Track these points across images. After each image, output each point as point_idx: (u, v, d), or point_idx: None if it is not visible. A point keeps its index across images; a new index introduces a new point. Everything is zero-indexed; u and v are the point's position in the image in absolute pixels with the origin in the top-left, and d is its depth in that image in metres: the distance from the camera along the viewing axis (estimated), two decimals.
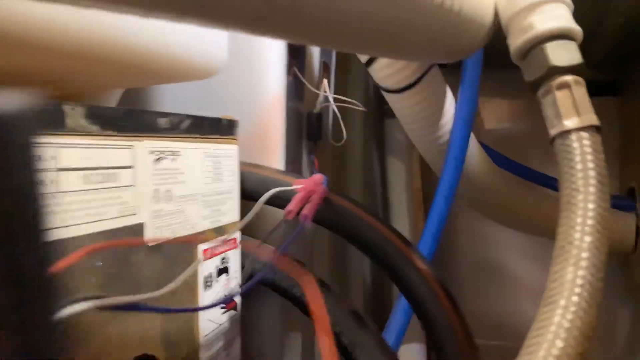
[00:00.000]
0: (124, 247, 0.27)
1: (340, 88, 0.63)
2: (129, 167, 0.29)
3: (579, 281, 0.22)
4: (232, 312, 0.41)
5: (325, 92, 0.59)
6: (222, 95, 0.48)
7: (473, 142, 0.60)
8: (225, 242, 0.40)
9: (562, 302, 0.22)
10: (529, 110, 0.96)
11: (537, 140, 0.94)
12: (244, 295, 0.43)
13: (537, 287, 0.98)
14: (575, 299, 0.22)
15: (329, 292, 0.41)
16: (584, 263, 0.23)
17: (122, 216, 0.29)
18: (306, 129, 0.56)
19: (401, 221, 0.91)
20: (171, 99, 0.49)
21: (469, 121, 0.52)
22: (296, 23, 0.22)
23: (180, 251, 0.34)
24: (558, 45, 0.28)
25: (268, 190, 0.39)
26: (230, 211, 0.41)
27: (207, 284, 0.38)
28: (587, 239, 0.24)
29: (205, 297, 0.37)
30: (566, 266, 0.23)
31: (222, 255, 0.40)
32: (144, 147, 0.31)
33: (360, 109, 0.55)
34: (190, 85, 0.47)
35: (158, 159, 0.32)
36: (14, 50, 0.26)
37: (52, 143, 0.24)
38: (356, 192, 0.80)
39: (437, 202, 0.52)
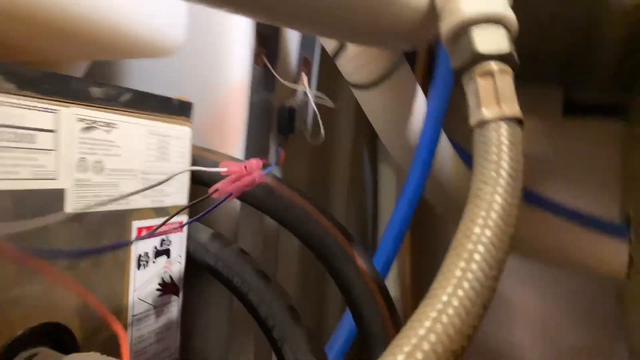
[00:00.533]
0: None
1: (329, 87, 0.63)
2: (51, 130, 0.29)
3: (468, 275, 0.21)
4: (172, 296, 0.41)
5: (303, 87, 0.58)
6: (182, 77, 0.48)
7: (447, 146, 0.59)
8: (167, 224, 0.39)
9: (444, 298, 0.20)
10: (548, 131, 0.94)
11: (551, 164, 0.92)
12: (189, 281, 0.43)
13: (534, 315, 0.95)
14: (460, 293, 0.21)
15: (269, 283, 0.40)
16: (477, 257, 0.22)
17: (38, 179, 0.28)
18: (277, 121, 0.55)
19: None
20: (135, 76, 0.49)
21: (439, 123, 0.51)
22: None
23: (107, 225, 0.34)
24: (485, 31, 0.27)
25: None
26: (176, 193, 0.40)
27: (141, 263, 0.37)
28: (487, 233, 0.22)
29: (137, 276, 0.37)
30: (457, 260, 0.22)
31: (163, 237, 0.39)
32: (70, 114, 0.30)
33: (330, 105, 0.55)
34: (153, 64, 0.47)
35: (88, 128, 0.32)
36: None
37: None
38: (339, 193, 0.80)
39: (401, 206, 0.51)
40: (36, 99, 0.28)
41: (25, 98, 0.27)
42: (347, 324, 0.48)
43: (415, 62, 0.72)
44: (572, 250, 0.77)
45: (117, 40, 0.35)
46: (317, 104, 0.58)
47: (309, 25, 0.29)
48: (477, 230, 0.23)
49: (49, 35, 0.32)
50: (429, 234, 0.93)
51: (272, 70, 0.52)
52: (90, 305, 0.32)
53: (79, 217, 0.31)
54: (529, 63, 0.81)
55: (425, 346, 0.19)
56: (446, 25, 0.28)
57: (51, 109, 0.29)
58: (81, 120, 0.31)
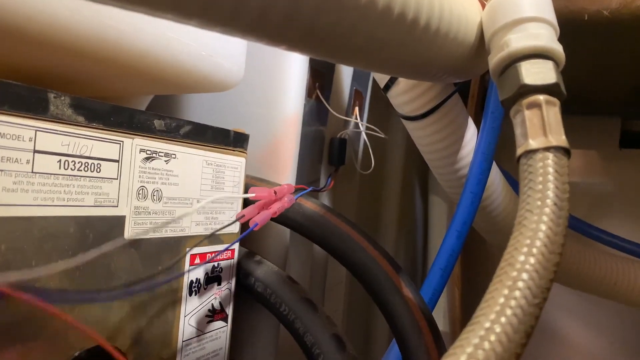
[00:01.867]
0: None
1: (381, 118, 0.64)
2: (115, 160, 0.31)
3: (511, 303, 0.21)
4: (221, 322, 0.42)
5: (356, 119, 0.60)
6: (240, 110, 0.50)
7: (498, 176, 0.58)
8: (219, 251, 0.41)
9: (487, 324, 0.20)
10: (604, 163, 0.92)
11: (608, 196, 0.89)
12: (238, 308, 0.44)
13: (586, 348, 0.91)
14: (502, 320, 0.21)
15: (315, 312, 0.40)
16: (520, 284, 0.22)
17: (100, 206, 0.30)
18: (328, 152, 0.57)
19: None
20: (196, 108, 0.52)
21: (490, 153, 0.50)
22: (285, 32, 0.23)
23: (163, 251, 0.35)
24: (532, 64, 0.27)
25: None
26: (229, 222, 0.42)
27: (193, 289, 0.39)
28: (531, 260, 0.22)
29: (189, 302, 0.38)
30: (500, 288, 0.22)
31: (214, 264, 0.41)
32: (134, 145, 0.33)
33: (381, 136, 0.55)
34: (213, 97, 0.50)
35: (148, 158, 0.34)
36: (33, 48, 0.29)
37: (31, 126, 0.26)
38: (389, 223, 0.79)
39: (449, 237, 0.50)
40: (103, 131, 0.30)
41: (93, 130, 0.30)
42: (394, 354, 0.47)
43: (467, 93, 0.72)
44: (627, 282, 0.73)
45: (182, 77, 0.37)
46: (368, 135, 0.59)
47: (364, 64, 0.30)
48: (521, 258, 0.22)
49: (117, 73, 0.35)
50: (480, 266, 0.91)
51: (325, 104, 0.53)
52: (142, 330, 0.34)
53: (136, 243, 0.33)
54: (589, 97, 0.79)
55: None
56: (495, 60, 0.29)
57: (116, 140, 0.31)
58: (143, 150, 0.33)
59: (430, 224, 0.92)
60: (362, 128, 0.59)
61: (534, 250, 0.23)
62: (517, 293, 0.21)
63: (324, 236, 0.41)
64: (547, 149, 0.26)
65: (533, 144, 0.26)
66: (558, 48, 0.28)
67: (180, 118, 0.36)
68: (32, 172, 0.26)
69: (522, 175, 0.26)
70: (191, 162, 0.38)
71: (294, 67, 0.49)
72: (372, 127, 0.56)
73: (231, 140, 0.42)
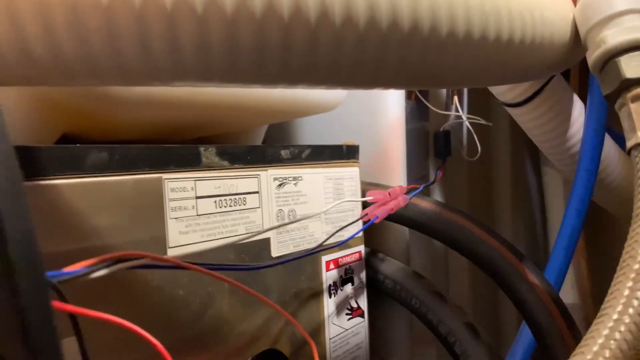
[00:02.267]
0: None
1: (482, 104, 0.65)
2: (256, 192, 0.36)
3: (637, 294, 0.23)
4: (359, 319, 0.46)
5: (457, 111, 0.61)
6: (347, 122, 0.54)
7: (612, 148, 0.56)
8: (348, 255, 0.45)
9: (615, 316, 0.22)
10: None
11: None
12: (372, 305, 0.48)
13: None
14: (630, 311, 0.22)
15: (445, 303, 0.43)
16: None
17: (250, 232, 0.36)
18: (434, 146, 0.59)
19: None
20: (308, 127, 0.57)
21: (601, 127, 0.50)
22: (376, 77, 0.26)
23: (304, 262, 0.40)
24: (631, 57, 0.28)
25: None
26: (352, 227, 0.46)
27: (332, 291, 0.43)
28: None
29: (330, 303, 0.43)
30: (624, 280, 0.23)
31: (346, 266, 0.45)
32: (268, 176, 0.38)
33: (485, 123, 0.57)
34: (321, 116, 0.54)
35: (281, 185, 0.39)
36: (182, 110, 0.35)
37: (191, 177, 0.32)
38: (503, 205, 0.80)
39: (568, 217, 0.50)
40: (243, 169, 0.36)
41: (236, 170, 0.35)
42: (525, 336, 0.49)
43: (570, 69, 0.70)
44: None
45: (296, 105, 0.42)
46: (471, 123, 0.60)
47: (462, 84, 0.32)
48: None
49: (246, 115, 0.40)
50: (604, 235, 0.88)
51: (425, 101, 0.55)
52: (297, 331, 0.39)
53: (282, 260, 0.38)
54: None
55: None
56: (593, 57, 0.30)
57: (253, 175, 0.36)
58: (276, 179, 0.38)
59: (547, 198, 0.90)
60: (464, 117, 0.60)
61: None
62: None
63: (444, 232, 0.44)
64: None
65: None
66: None
67: (300, 144, 0.41)
68: (197, 215, 0.32)
69: (635, 167, 0.27)
70: (314, 180, 0.42)
71: None
72: (474, 117, 0.58)
73: (344, 153, 0.46)
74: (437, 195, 0.61)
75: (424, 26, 0.24)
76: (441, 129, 0.60)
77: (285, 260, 0.36)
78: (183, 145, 0.32)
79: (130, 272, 0.28)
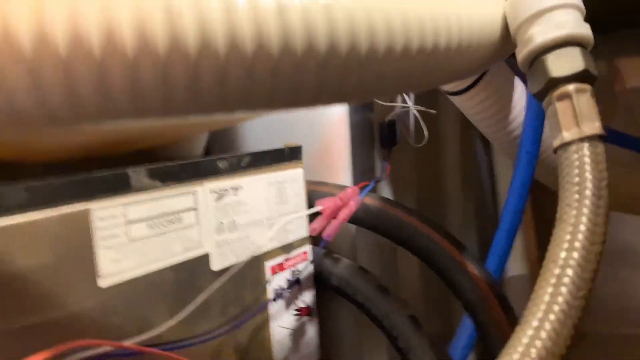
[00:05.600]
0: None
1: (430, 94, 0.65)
2: (193, 209, 0.36)
3: (558, 299, 0.23)
4: (306, 318, 0.46)
5: (404, 101, 0.61)
6: (292, 121, 0.54)
7: None
8: (294, 256, 0.45)
9: (535, 323, 0.23)
10: None
11: None
12: (319, 303, 0.48)
13: None
14: (551, 317, 0.23)
15: (388, 296, 0.44)
16: (565, 280, 0.24)
17: (187, 251, 0.35)
18: (379, 137, 0.59)
19: None
20: (251, 133, 0.56)
21: (540, 111, 0.50)
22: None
23: (246, 272, 0.40)
24: (558, 55, 0.28)
25: None
26: (297, 229, 0.46)
27: (277, 294, 0.43)
28: (574, 255, 0.24)
29: (275, 307, 0.43)
30: (545, 286, 0.24)
31: (292, 268, 0.45)
32: (205, 190, 0.37)
33: (431, 112, 0.57)
34: (266, 119, 0.54)
35: (220, 197, 0.38)
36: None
37: (120, 203, 0.31)
38: (453, 189, 0.81)
39: (510, 198, 0.52)
40: (178, 187, 0.35)
41: (169, 189, 0.34)
42: (467, 327, 0.50)
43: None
44: None
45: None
46: (418, 110, 0.60)
47: (389, 94, 0.32)
48: (563, 254, 0.25)
49: (176, 125, 0.39)
50: (551, 202, 0.91)
51: None
52: (241, 339, 0.39)
53: (223, 272, 0.38)
54: None
55: None
56: (521, 55, 0.30)
57: (189, 191, 0.36)
58: (213, 192, 0.37)
59: (497, 181, 0.92)
60: (410, 106, 0.60)
61: (576, 245, 0.25)
62: (563, 289, 0.24)
63: (387, 228, 0.44)
64: (582, 139, 0.27)
65: (567, 136, 0.27)
66: (584, 31, 0.29)
67: (238, 154, 0.40)
68: (129, 240, 0.31)
69: (560, 168, 0.27)
70: (255, 188, 0.41)
71: None
72: (420, 107, 0.58)
73: (287, 156, 0.45)
74: (385, 186, 0.62)
75: (340, 46, 0.24)
76: (386, 119, 0.60)
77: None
78: (109, 172, 0.31)
79: None
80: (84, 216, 0.29)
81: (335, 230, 0.39)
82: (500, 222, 0.52)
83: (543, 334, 0.23)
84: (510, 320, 0.38)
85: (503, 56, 0.37)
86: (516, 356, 0.22)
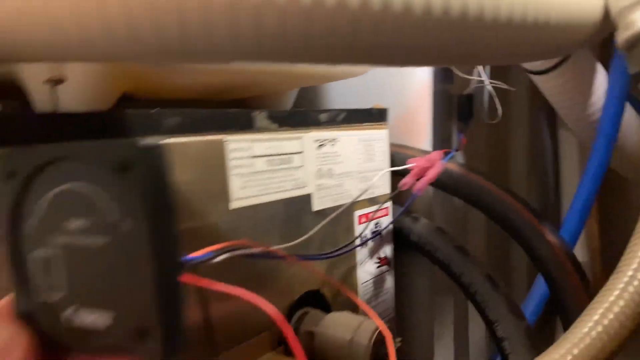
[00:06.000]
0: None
1: (503, 69, 0.67)
2: (300, 152, 0.40)
3: None
4: (386, 267, 0.50)
5: (478, 75, 0.63)
6: (377, 86, 0.57)
7: (632, 116, 0.59)
8: (378, 210, 0.49)
9: (630, 273, 0.26)
10: None
11: None
12: (397, 257, 0.52)
13: None
14: None
15: (467, 256, 0.47)
16: None
17: (295, 188, 0.39)
18: (457, 110, 0.61)
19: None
20: (337, 93, 0.60)
21: (622, 96, 0.52)
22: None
23: (340, 216, 0.44)
24: None
25: None
26: (382, 186, 0.49)
27: (363, 242, 0.47)
28: None
29: (361, 253, 0.47)
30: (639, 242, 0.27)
31: (376, 221, 0.49)
32: (309, 137, 0.41)
33: (507, 87, 0.59)
34: (352, 80, 0.57)
35: (320, 145, 0.42)
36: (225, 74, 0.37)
37: (247, 139, 0.35)
38: (519, 167, 0.83)
39: (585, 182, 0.53)
40: (289, 132, 0.39)
41: (283, 132, 0.38)
42: (540, 287, 0.53)
43: None
44: None
45: (328, 69, 0.44)
46: (493, 87, 0.62)
47: (493, 63, 0.34)
48: None
49: (275, 78, 0.43)
50: (616, 199, 0.91)
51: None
52: (335, 278, 0.43)
53: (321, 213, 0.42)
54: None
55: (611, 314, 0.25)
56: (623, 37, 0.32)
57: (298, 137, 0.40)
58: (316, 140, 0.41)
59: (561, 161, 0.92)
60: (486, 82, 0.62)
61: None
62: None
63: (466, 192, 0.47)
64: None
65: None
66: None
67: (336, 109, 0.44)
68: (253, 172, 0.35)
69: None
70: (348, 142, 0.45)
71: None
72: (497, 82, 0.60)
73: (374, 116, 0.48)
74: (458, 157, 0.64)
75: (455, 10, 0.27)
76: (464, 93, 0.62)
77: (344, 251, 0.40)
78: (240, 110, 0.35)
79: None
80: (221, 145, 0.33)
81: (425, 186, 0.42)
82: (573, 202, 0.54)
83: (636, 283, 0.25)
84: (584, 286, 0.41)
85: (600, 37, 0.38)
86: (612, 298, 0.25)
